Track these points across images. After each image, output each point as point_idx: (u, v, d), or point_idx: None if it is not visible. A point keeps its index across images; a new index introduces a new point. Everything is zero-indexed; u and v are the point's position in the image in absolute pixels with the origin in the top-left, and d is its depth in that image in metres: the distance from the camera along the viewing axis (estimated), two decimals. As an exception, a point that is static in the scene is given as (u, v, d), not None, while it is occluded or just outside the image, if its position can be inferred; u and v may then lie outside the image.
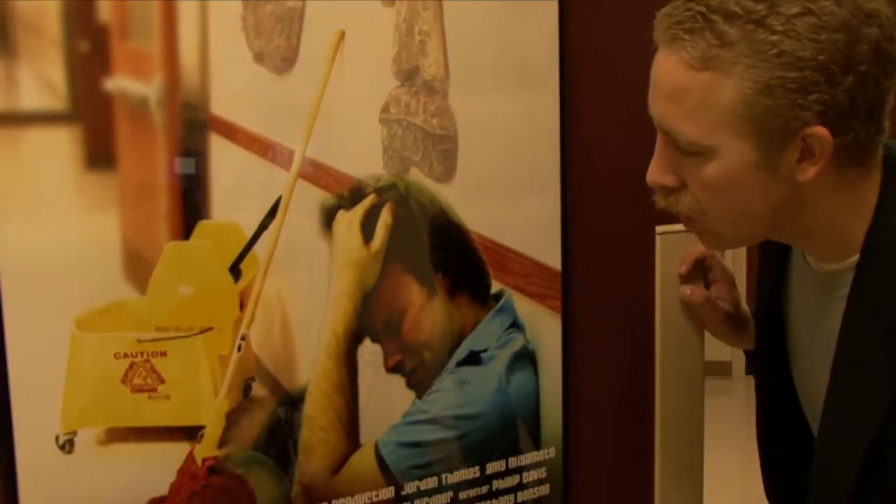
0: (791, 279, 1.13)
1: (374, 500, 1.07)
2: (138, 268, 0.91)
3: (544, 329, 1.17)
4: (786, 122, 0.90)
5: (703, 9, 0.89)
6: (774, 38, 0.87)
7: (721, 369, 6.01)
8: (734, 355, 5.95)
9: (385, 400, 1.07)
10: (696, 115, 0.92)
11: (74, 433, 0.90)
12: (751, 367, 1.30)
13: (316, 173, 1.00)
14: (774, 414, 1.19)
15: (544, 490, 1.19)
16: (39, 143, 0.87)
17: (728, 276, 1.24)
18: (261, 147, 0.97)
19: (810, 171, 0.92)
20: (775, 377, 1.15)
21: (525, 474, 1.18)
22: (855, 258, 1.00)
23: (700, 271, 1.23)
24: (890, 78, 0.94)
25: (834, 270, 1.02)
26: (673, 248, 1.29)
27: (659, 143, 0.97)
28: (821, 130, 0.90)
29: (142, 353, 0.92)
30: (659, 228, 1.28)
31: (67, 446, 0.90)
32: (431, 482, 1.11)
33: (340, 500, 1.04)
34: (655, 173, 0.98)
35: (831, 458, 1.04)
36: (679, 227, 1.28)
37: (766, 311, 1.16)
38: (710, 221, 0.99)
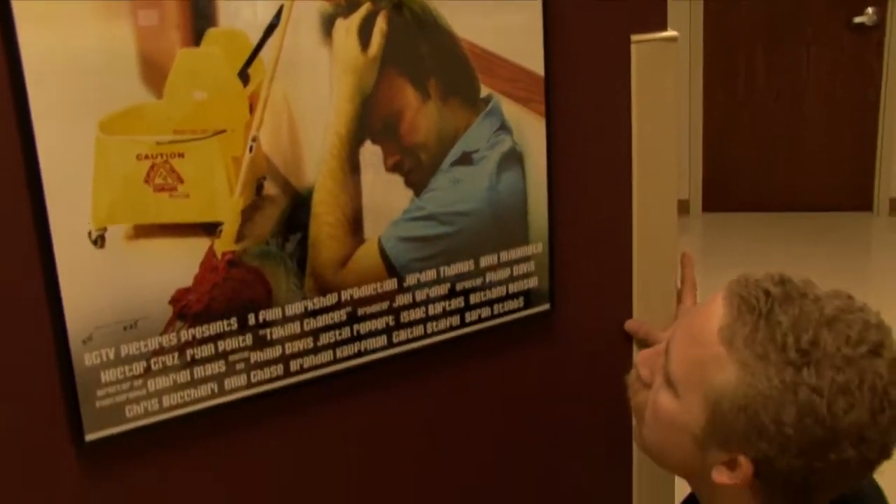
0: None
1: (379, 290, 1.14)
2: (153, 74, 0.96)
3: (530, 131, 1.22)
4: (733, 438, 0.94)
5: (769, 305, 0.92)
6: (781, 384, 0.90)
7: (679, 207, 6.11)
8: (692, 194, 6.05)
9: (386, 198, 1.12)
10: (693, 364, 0.97)
11: (105, 229, 0.96)
12: None
13: (314, -17, 1.04)
14: None
15: (533, 282, 1.27)
16: (53, -43, 0.90)
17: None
18: (261, -43, 1.01)
19: (722, 478, 0.97)
20: None
21: (515, 267, 1.25)
22: None
23: None
24: (837, 486, 0.97)
25: None
26: (647, 55, 1.35)
27: (662, 345, 1.05)
28: (748, 466, 0.94)
29: (161, 155, 0.98)
30: (634, 37, 1.33)
31: (99, 241, 0.96)
32: (430, 274, 1.17)
33: (348, 290, 1.12)
34: (643, 362, 1.08)
35: None
36: (653, 35, 1.35)
37: None
38: (644, 430, 1.08)
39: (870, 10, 5.25)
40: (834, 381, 0.88)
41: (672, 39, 1.36)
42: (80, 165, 0.94)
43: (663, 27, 1.36)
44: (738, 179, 6.04)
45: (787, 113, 5.81)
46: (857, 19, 5.30)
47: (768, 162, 5.95)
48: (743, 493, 0.98)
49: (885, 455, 0.94)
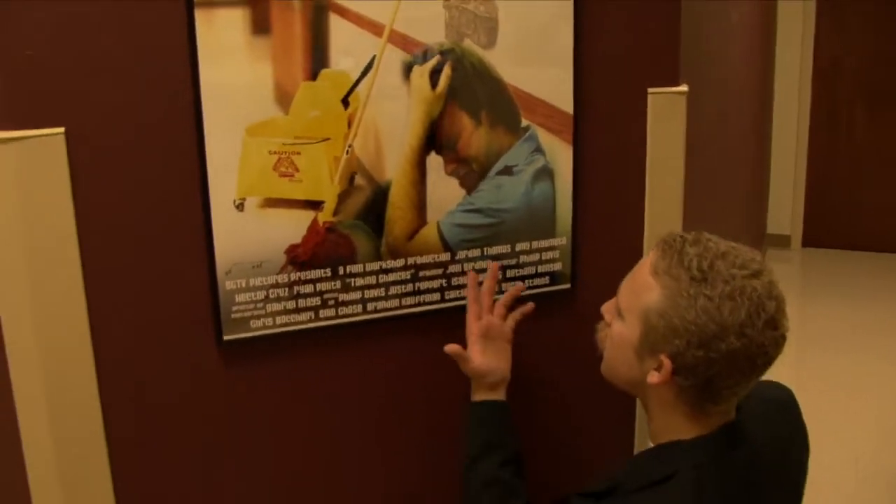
0: None
1: (436, 260, 1.42)
2: (284, 98, 1.27)
3: (560, 154, 1.47)
4: (659, 339, 1.17)
5: (681, 247, 1.17)
6: (688, 290, 1.14)
7: (781, 241, 6.15)
8: (793, 229, 6.08)
9: (444, 194, 1.40)
10: (632, 293, 1.21)
11: (244, 199, 1.28)
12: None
13: (400, 40, 1.33)
14: None
15: (557, 266, 1.53)
16: (225, 18, 1.23)
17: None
18: (363, 22, 1.30)
19: (654, 378, 1.18)
20: None
21: (543, 254, 1.51)
22: None
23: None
24: (733, 378, 1.16)
25: None
26: (662, 106, 1.58)
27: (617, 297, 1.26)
28: (668, 363, 1.16)
29: (285, 152, 1.29)
30: (650, 90, 1.57)
31: (240, 207, 1.28)
32: (476, 252, 1.45)
33: (412, 257, 1.41)
34: (604, 311, 1.30)
35: None
36: (668, 88, 1.58)
37: None
38: (604, 357, 1.30)
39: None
40: (723, 292, 1.12)
41: (682, 93, 1.59)
42: (232, 157, 1.26)
43: (676, 83, 1.59)
44: (836, 220, 6.03)
45: (882, 165, 5.79)
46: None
47: (864, 206, 5.92)
48: (668, 392, 1.19)
49: (764, 354, 1.15)
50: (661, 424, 1.25)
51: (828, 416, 3.85)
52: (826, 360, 4.42)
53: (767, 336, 1.14)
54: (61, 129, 1.17)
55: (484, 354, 1.40)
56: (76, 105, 1.17)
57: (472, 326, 1.41)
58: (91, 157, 1.19)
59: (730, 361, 1.14)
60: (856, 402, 3.98)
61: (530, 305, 1.47)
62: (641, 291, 1.19)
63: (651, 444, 1.29)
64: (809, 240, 6.12)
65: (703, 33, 2.49)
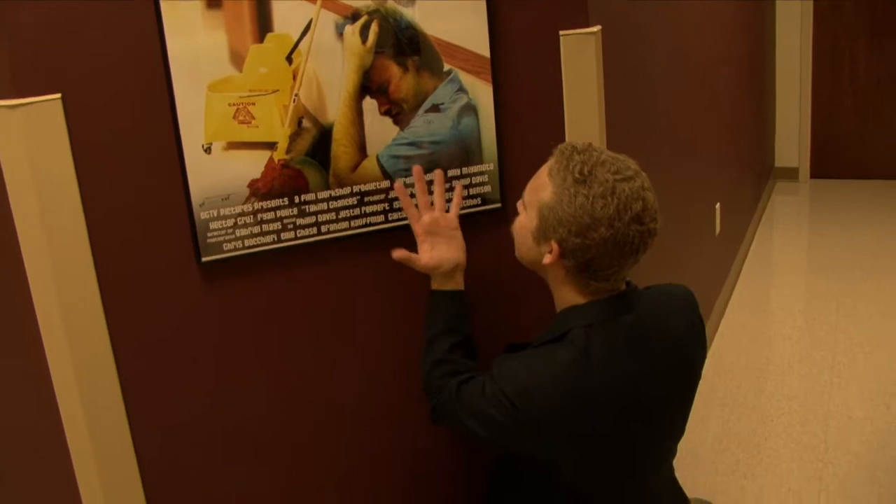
0: None
1: (378, 187, 1.72)
2: (237, 59, 1.57)
3: (481, 92, 1.76)
4: (549, 227, 1.48)
5: (571, 154, 1.47)
6: (571, 190, 1.44)
7: (789, 174, 6.35)
8: (801, 161, 6.27)
9: (380, 131, 1.69)
10: (532, 191, 1.53)
11: (211, 144, 1.59)
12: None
13: (331, 5, 1.61)
14: None
15: (487, 189, 1.82)
16: (183, -5, 1.53)
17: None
18: (299, -9, 1.60)
19: (547, 259, 1.50)
20: None
21: (473, 178, 1.80)
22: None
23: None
24: (607, 261, 1.46)
25: None
26: (574, 46, 1.85)
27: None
28: (556, 246, 1.48)
29: (242, 103, 1.59)
30: (562, 32, 1.84)
31: (208, 150, 1.58)
32: (412, 178, 1.75)
33: (357, 185, 1.70)
34: (518, 203, 1.60)
35: None
36: (579, 30, 1.85)
37: None
38: (515, 242, 1.62)
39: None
40: (597, 192, 1.44)
41: (592, 33, 1.86)
42: (198, 109, 1.56)
43: (586, 25, 1.85)
44: (842, 151, 6.21)
45: (885, 96, 5.95)
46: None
47: (867, 137, 6.10)
48: (559, 269, 1.53)
49: (630, 243, 1.46)
50: (558, 296, 1.59)
51: (840, 338, 4.09)
52: (834, 284, 4.64)
53: (633, 229, 1.45)
54: (58, 95, 1.48)
55: (433, 249, 1.71)
56: (69, 75, 1.48)
57: (415, 227, 1.70)
58: (84, 117, 1.50)
59: (601, 247, 1.45)
60: (865, 322, 4.21)
61: (460, 186, 1.76)
62: (539, 189, 1.51)
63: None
64: (817, 171, 6.31)
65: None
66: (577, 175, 1.46)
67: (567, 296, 1.55)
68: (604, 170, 1.46)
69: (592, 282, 1.51)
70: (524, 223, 1.56)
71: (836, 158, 6.27)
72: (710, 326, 4.00)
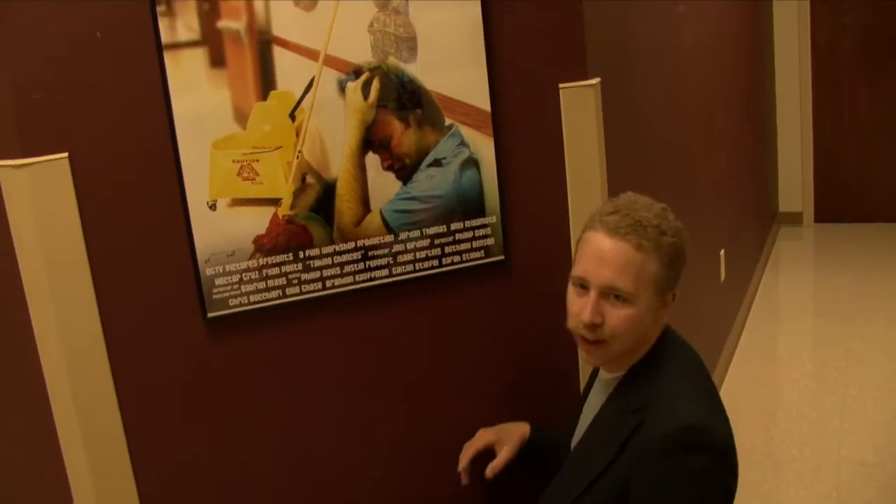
0: (593, 386, 1.68)
1: (381, 241, 1.74)
2: (241, 117, 1.60)
3: (483, 146, 1.78)
4: (670, 285, 1.52)
5: (636, 220, 1.48)
6: (670, 240, 1.50)
7: (794, 219, 6.36)
8: (804, 205, 6.29)
9: (383, 186, 1.72)
10: (636, 279, 1.47)
11: (216, 201, 1.61)
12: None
13: (333, 62, 1.65)
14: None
15: (490, 241, 1.83)
16: (189, 56, 1.56)
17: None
18: (302, 50, 1.63)
19: (664, 316, 1.53)
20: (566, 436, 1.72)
21: (476, 231, 1.81)
22: (613, 375, 1.57)
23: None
24: None
25: (614, 378, 1.57)
26: (573, 98, 1.88)
27: (593, 297, 1.48)
28: (675, 293, 1.53)
29: (246, 160, 1.62)
30: (561, 85, 1.87)
31: (213, 207, 1.61)
32: (416, 233, 1.76)
33: (361, 240, 1.72)
34: (592, 315, 1.48)
35: (566, 477, 1.59)
36: (578, 83, 1.88)
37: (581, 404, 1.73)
38: (614, 344, 1.50)
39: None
40: (671, 221, 1.54)
41: (591, 85, 1.89)
42: (202, 167, 1.59)
43: (585, 77, 1.89)
44: (845, 194, 6.24)
45: (885, 139, 5.99)
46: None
47: (870, 180, 6.13)
48: (665, 314, 1.56)
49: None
50: (633, 346, 1.54)
51: (850, 383, 4.08)
52: (841, 329, 4.63)
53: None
54: (65, 154, 1.50)
55: (503, 445, 1.81)
56: (76, 135, 1.51)
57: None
58: (90, 175, 1.52)
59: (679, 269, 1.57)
60: (873, 366, 4.20)
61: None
62: (641, 270, 1.48)
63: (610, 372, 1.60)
64: (821, 215, 6.33)
65: (641, 29, 2.77)
66: (658, 224, 1.50)
67: (654, 334, 1.57)
68: (647, 204, 1.56)
69: None
70: (642, 310, 1.49)
71: (839, 202, 6.28)
72: (718, 374, 3.99)
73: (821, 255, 5.96)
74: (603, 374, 1.63)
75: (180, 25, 1.54)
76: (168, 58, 1.54)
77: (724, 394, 3.92)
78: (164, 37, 1.53)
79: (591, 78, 1.91)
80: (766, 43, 5.91)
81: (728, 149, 4.50)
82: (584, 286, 1.51)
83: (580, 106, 1.88)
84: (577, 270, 1.54)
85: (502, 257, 1.86)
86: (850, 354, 4.32)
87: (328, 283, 1.71)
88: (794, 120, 6.27)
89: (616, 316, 1.48)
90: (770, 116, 6.09)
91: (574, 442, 1.67)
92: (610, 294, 1.48)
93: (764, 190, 5.83)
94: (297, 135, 1.64)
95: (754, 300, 5.13)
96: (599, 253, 1.49)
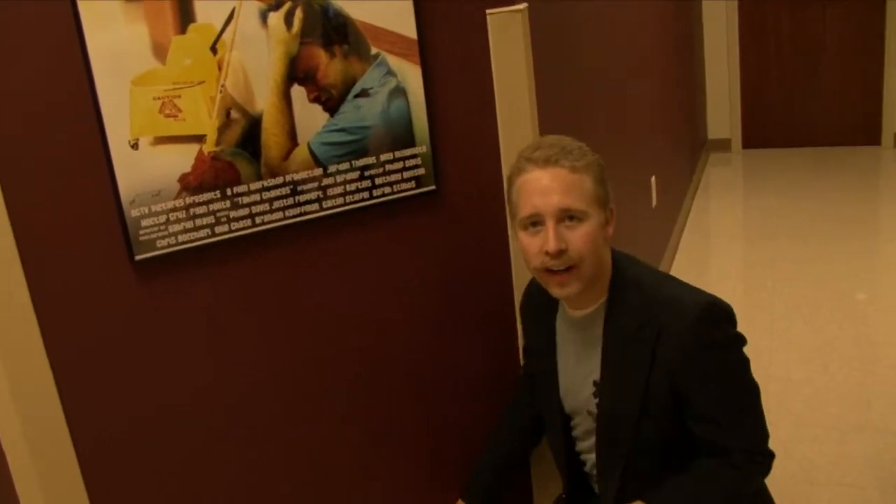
0: (557, 331, 1.74)
1: (310, 175, 1.72)
2: (160, 52, 1.55)
3: (410, 74, 1.76)
4: (607, 201, 1.58)
5: (560, 146, 1.56)
6: (592, 158, 1.58)
7: (723, 145, 6.48)
8: (733, 133, 6.40)
9: (310, 118, 1.69)
10: (579, 196, 1.54)
11: (138, 139, 1.57)
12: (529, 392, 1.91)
13: (254, -8, 1.61)
14: (549, 411, 1.81)
15: (420, 171, 1.82)
16: (99, -12, 1.50)
17: None
18: (220, -20, 1.58)
19: (610, 230, 1.60)
20: (547, 392, 1.78)
21: (406, 161, 1.80)
22: (599, 304, 1.62)
23: None
24: None
25: (587, 315, 1.65)
26: (501, 24, 1.86)
27: (551, 226, 1.53)
28: (613, 209, 1.61)
29: (167, 97, 1.57)
30: (488, 11, 1.85)
31: (135, 146, 1.56)
32: (345, 165, 1.74)
33: (289, 174, 1.70)
34: (556, 242, 1.53)
35: (615, 413, 1.63)
36: (506, 8, 1.85)
37: (541, 355, 1.78)
38: (583, 266, 1.57)
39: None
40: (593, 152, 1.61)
41: (519, 10, 1.87)
42: (123, 104, 1.54)
43: (512, 2, 1.86)
44: (771, 121, 6.36)
45: (809, 64, 6.10)
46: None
47: (794, 106, 6.25)
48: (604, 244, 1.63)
49: None
50: (598, 276, 1.61)
51: (777, 303, 4.19)
52: (769, 250, 4.75)
53: None
54: (-25, 96, 1.44)
55: None
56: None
57: None
58: (2, 119, 1.46)
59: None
60: (800, 285, 4.32)
61: None
62: (585, 187, 1.56)
63: (579, 307, 1.66)
64: (748, 142, 6.44)
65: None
66: (583, 149, 1.59)
67: (606, 262, 1.64)
68: (569, 138, 1.63)
69: None
70: (595, 224, 1.57)
71: (765, 128, 6.40)
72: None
73: (749, 179, 6.08)
74: (572, 313, 1.69)
75: (91, -42, 1.48)
76: (79, -9, 1.48)
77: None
78: (74, -31, 1.47)
79: (519, 3, 1.89)
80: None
81: (658, 78, 4.52)
82: (535, 223, 1.57)
83: (508, 32, 1.86)
84: (524, 212, 1.58)
85: (433, 187, 1.85)
86: (778, 274, 4.43)
87: (258, 220, 1.69)
88: (721, 49, 6.33)
89: (577, 237, 1.54)
90: (698, 46, 6.13)
91: (567, 392, 1.75)
92: (564, 217, 1.55)
93: (693, 118, 5.89)
94: (220, 68, 1.60)
95: (686, 225, 5.22)
96: (540, 186, 1.55)
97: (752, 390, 1.60)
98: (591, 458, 1.75)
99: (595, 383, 1.67)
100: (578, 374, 1.71)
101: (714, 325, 1.54)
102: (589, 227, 1.55)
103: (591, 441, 1.72)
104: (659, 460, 1.63)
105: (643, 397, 1.57)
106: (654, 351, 1.54)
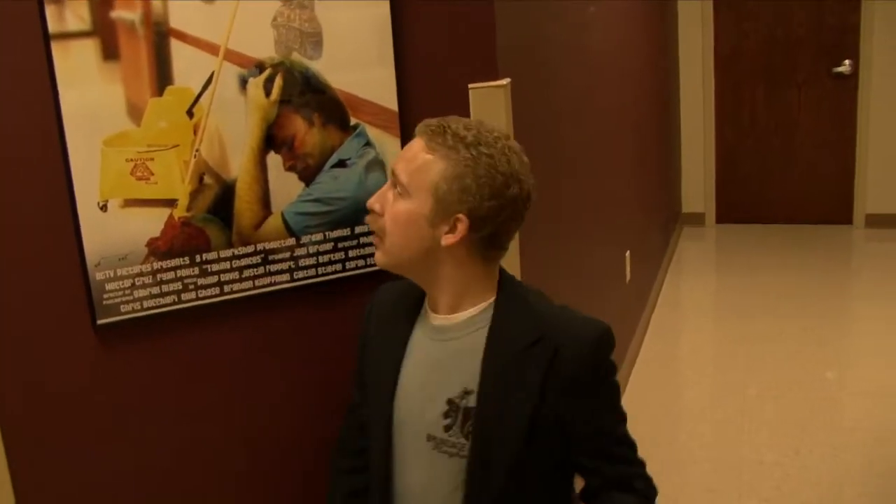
0: (412, 340, 1.48)
1: (283, 245, 1.69)
2: (135, 113, 1.53)
3: (389, 147, 1.75)
4: (453, 202, 1.34)
5: (445, 126, 1.35)
6: (468, 154, 1.33)
7: (696, 219, 6.55)
8: (707, 207, 6.48)
9: (285, 187, 1.67)
10: (414, 173, 1.36)
11: (107, 201, 1.54)
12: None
13: (234, 57, 1.60)
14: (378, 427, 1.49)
15: (396, 243, 1.81)
16: (78, 48, 1.48)
17: None
18: (201, 43, 1.57)
19: (449, 239, 1.35)
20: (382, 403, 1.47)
21: (382, 233, 1.79)
22: (469, 315, 1.42)
23: None
24: (514, 222, 1.39)
25: (456, 324, 1.42)
26: (483, 99, 1.86)
27: (384, 188, 1.41)
28: (465, 219, 1.34)
29: (140, 159, 1.55)
30: (471, 85, 1.85)
31: (104, 208, 1.54)
32: (319, 236, 1.72)
33: (261, 243, 1.67)
34: (374, 199, 1.41)
35: (493, 436, 1.39)
36: (488, 83, 1.86)
37: (385, 359, 1.49)
38: (387, 240, 1.41)
39: (846, 62, 6.00)
40: (496, 149, 1.34)
41: (501, 86, 1.88)
42: (93, 165, 1.52)
43: (495, 77, 1.87)
44: (744, 197, 6.45)
45: (783, 143, 6.23)
46: (837, 69, 6.06)
47: (768, 183, 6.35)
48: (461, 249, 1.37)
49: (528, 199, 1.39)
50: (457, 286, 1.42)
51: (750, 383, 4.18)
52: (741, 328, 4.76)
53: (530, 184, 1.39)
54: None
55: None
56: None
57: None
58: (-32, 173, 1.44)
59: (513, 206, 1.37)
60: (771, 365, 4.32)
61: None
62: (425, 168, 1.36)
63: (447, 314, 1.44)
64: (722, 216, 6.51)
65: (548, 30, 2.78)
66: (468, 140, 1.35)
67: (470, 279, 1.42)
68: (483, 130, 1.38)
69: (497, 251, 1.42)
70: (412, 210, 1.37)
71: (739, 204, 6.47)
72: (623, 375, 4.04)
73: (722, 255, 6.11)
74: (435, 319, 1.47)
75: (70, 14, 1.47)
76: (56, 49, 1.47)
77: (629, 395, 3.99)
78: (52, 26, 1.46)
79: (502, 79, 1.89)
80: (671, 47, 6.03)
81: (634, 152, 4.56)
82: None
83: (490, 107, 1.86)
84: None
85: (409, 261, 1.82)
86: (750, 353, 4.43)
87: (226, 288, 1.66)
88: (697, 124, 6.42)
89: (392, 209, 1.40)
90: (674, 120, 6.22)
91: (408, 410, 1.47)
92: (395, 184, 1.40)
93: (668, 192, 5.94)
94: (195, 132, 1.58)
95: (658, 300, 5.22)
96: (406, 147, 1.43)
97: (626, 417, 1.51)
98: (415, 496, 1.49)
99: (449, 402, 1.43)
100: (427, 390, 1.45)
101: (610, 349, 1.44)
102: (407, 206, 1.37)
103: (422, 475, 1.46)
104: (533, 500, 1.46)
105: (530, 420, 1.39)
106: (546, 372, 1.39)
